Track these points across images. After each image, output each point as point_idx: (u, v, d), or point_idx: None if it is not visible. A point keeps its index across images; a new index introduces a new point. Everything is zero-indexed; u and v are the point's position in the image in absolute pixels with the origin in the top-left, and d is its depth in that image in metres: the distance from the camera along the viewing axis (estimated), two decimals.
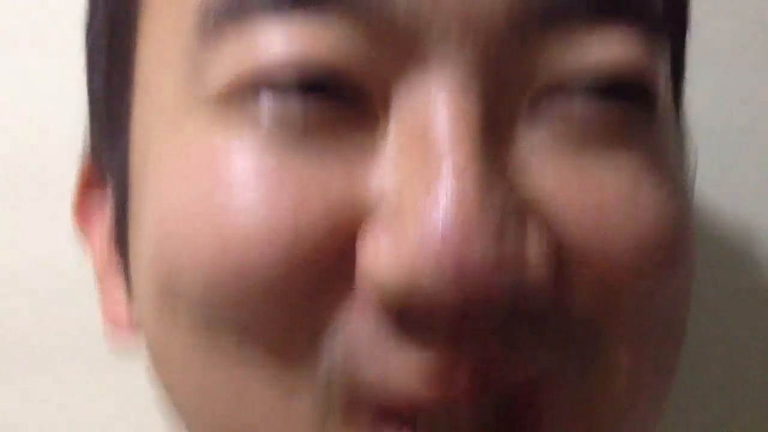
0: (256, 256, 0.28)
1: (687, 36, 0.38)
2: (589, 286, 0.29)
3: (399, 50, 0.29)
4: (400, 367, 0.28)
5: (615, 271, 0.29)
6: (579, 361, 0.29)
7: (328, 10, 0.28)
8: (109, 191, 0.37)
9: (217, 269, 0.28)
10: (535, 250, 0.27)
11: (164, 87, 0.32)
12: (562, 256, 0.28)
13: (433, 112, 0.28)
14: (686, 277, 0.31)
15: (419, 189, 0.27)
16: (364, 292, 0.28)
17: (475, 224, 0.26)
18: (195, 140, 0.30)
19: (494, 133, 0.28)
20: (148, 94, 0.33)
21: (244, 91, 0.29)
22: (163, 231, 0.30)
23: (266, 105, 0.29)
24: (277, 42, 0.29)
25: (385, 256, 0.27)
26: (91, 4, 0.38)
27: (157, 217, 0.30)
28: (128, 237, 0.34)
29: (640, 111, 0.31)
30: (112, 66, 0.36)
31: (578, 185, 0.29)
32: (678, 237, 0.30)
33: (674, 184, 0.31)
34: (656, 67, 0.31)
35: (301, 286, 0.28)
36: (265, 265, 0.28)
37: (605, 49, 0.30)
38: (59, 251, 0.48)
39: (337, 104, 0.29)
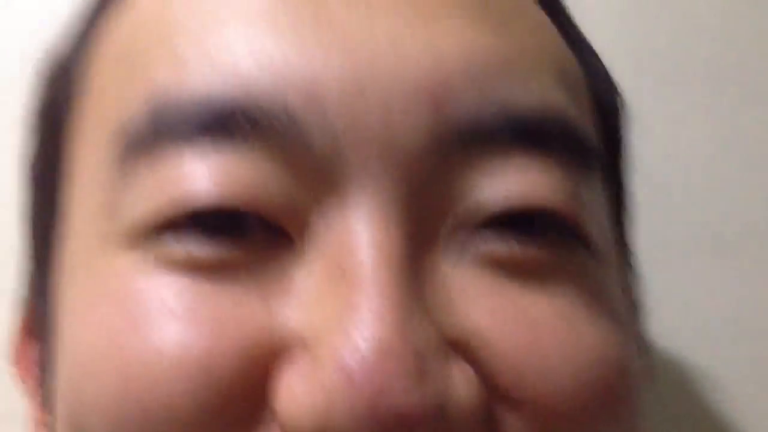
0: (162, 396, 0.27)
1: (626, 174, 0.38)
2: (522, 430, 0.28)
3: (316, 179, 0.29)
4: None
5: (550, 416, 0.28)
6: None
7: (241, 139, 0.29)
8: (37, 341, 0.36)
9: (121, 409, 0.28)
10: (459, 392, 0.26)
11: (81, 224, 0.32)
12: (493, 400, 0.28)
13: (351, 245, 0.28)
14: (629, 419, 0.30)
15: (337, 331, 0.26)
16: (277, 430, 0.27)
17: (392, 370, 0.26)
18: (106, 276, 0.30)
19: (415, 265, 0.28)
20: (69, 235, 0.33)
21: (157, 227, 0.29)
22: (73, 371, 0.30)
23: (178, 241, 0.29)
24: (191, 177, 0.28)
25: (300, 397, 0.26)
26: (29, 136, 0.38)
27: (69, 357, 0.30)
28: (51, 390, 0.33)
29: (569, 247, 0.30)
30: (40, 206, 0.36)
31: (509, 322, 0.28)
32: (618, 378, 0.29)
33: (615, 322, 0.30)
34: (579, 201, 0.30)
35: (210, 425, 0.27)
36: (172, 406, 0.27)
37: (521, 178, 0.29)
38: None
39: (254, 238, 0.29)
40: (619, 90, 0.37)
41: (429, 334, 0.27)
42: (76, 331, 0.30)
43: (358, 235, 0.28)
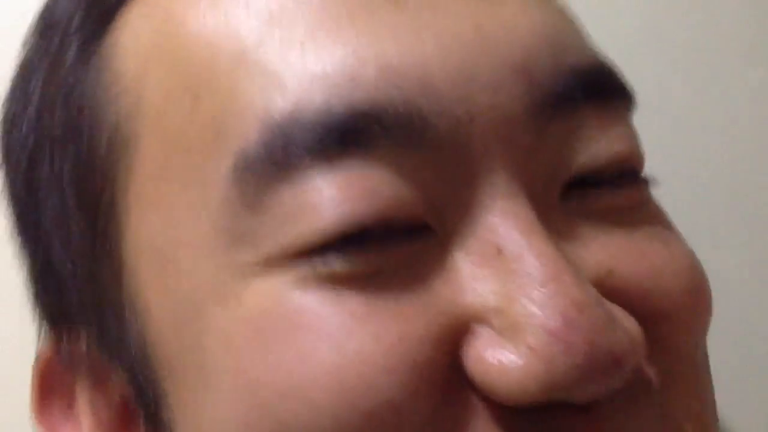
0: (378, 395, 0.28)
1: None
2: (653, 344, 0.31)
3: (446, 170, 0.30)
4: None
5: (665, 321, 0.32)
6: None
7: (372, 148, 0.29)
8: (109, 389, 0.35)
9: (342, 422, 0.28)
10: (634, 328, 0.29)
11: (195, 259, 0.31)
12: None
13: (496, 223, 0.30)
14: (709, 318, 0.34)
15: (524, 300, 0.28)
16: (484, 403, 0.29)
17: (593, 322, 0.28)
18: (269, 306, 0.29)
19: (551, 228, 0.30)
20: (163, 273, 0.31)
21: (307, 251, 0.29)
22: (262, 400, 0.29)
23: (333, 261, 0.29)
24: (331, 197, 0.29)
25: (511, 368, 0.28)
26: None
27: (244, 392, 0.29)
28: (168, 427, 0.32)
29: (641, 180, 0.34)
30: (88, 239, 0.34)
31: (630, 260, 0.32)
32: (704, 277, 0.34)
33: (678, 233, 0.35)
34: (637, 140, 0.34)
35: (424, 407, 0.29)
36: (389, 401, 0.28)
37: (601, 134, 0.32)
38: None
39: (398, 240, 0.29)
40: None
41: (590, 285, 0.29)
42: (246, 366, 0.29)
43: (501, 212, 0.30)
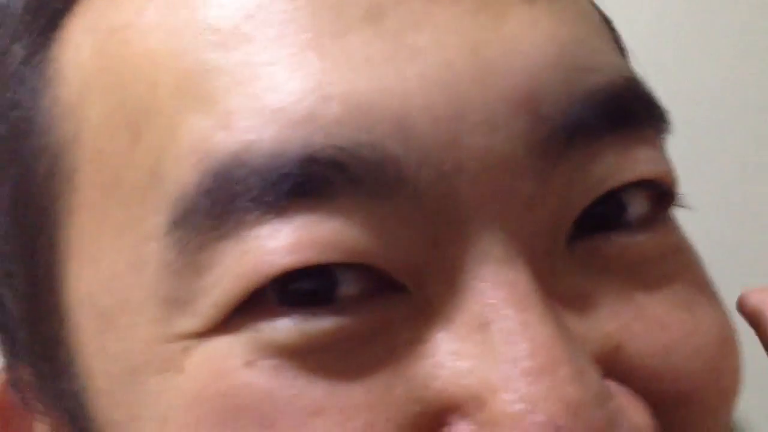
0: None
1: None
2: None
3: (426, 222, 0.25)
4: None
5: (684, 406, 0.27)
6: None
7: (331, 196, 0.24)
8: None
9: None
10: (643, 421, 0.25)
11: (134, 322, 0.27)
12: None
13: (485, 292, 0.25)
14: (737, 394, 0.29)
15: (507, 391, 0.24)
16: None
17: (590, 427, 0.24)
18: (209, 381, 0.25)
19: (553, 293, 0.26)
20: (102, 334, 0.27)
21: (253, 318, 0.25)
22: None
23: (285, 329, 0.25)
24: (281, 256, 0.24)
25: None
26: None
27: None
28: None
29: (669, 213, 0.29)
30: (30, 284, 0.30)
31: (643, 332, 0.27)
32: (736, 353, 0.29)
33: (713, 291, 0.30)
34: (668, 162, 0.29)
35: None
36: None
37: (620, 160, 0.27)
38: None
39: (364, 303, 0.25)
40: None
41: (593, 374, 0.25)
42: None
43: (493, 280, 0.25)
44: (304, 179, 0.24)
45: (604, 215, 0.28)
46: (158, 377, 0.26)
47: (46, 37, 0.30)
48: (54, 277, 0.29)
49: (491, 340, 0.25)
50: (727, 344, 0.29)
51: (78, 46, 0.29)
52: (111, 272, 0.27)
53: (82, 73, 0.28)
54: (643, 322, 0.27)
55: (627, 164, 0.27)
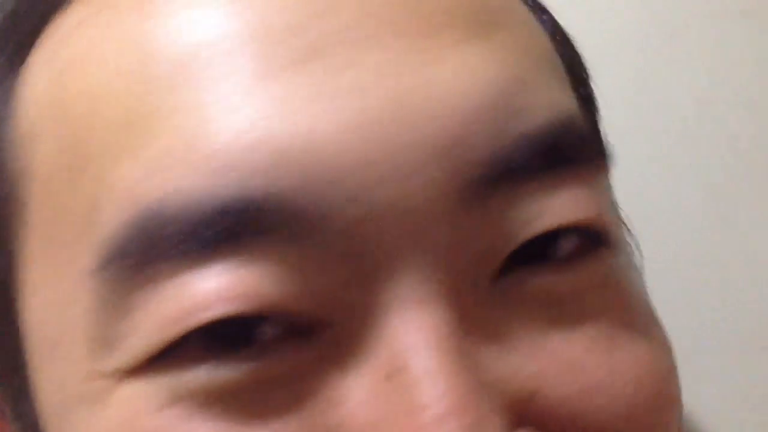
0: None
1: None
2: None
3: (339, 270, 0.25)
4: None
5: None
6: None
7: (253, 245, 0.25)
8: None
9: None
10: None
11: (69, 356, 0.28)
12: None
13: (397, 339, 0.25)
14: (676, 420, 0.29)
15: None
16: None
17: None
18: (126, 421, 0.26)
19: (469, 335, 0.26)
20: (46, 363, 0.29)
21: (168, 361, 0.26)
22: None
23: (198, 373, 0.25)
24: (195, 303, 0.25)
25: None
26: None
27: None
28: None
29: (597, 253, 0.28)
30: None
31: (558, 374, 0.27)
32: (663, 388, 0.28)
33: (647, 326, 0.29)
34: (605, 205, 0.29)
35: None
36: None
37: (552, 201, 0.27)
38: None
39: (277, 348, 0.25)
40: (579, 51, 0.35)
41: (496, 421, 0.25)
42: None
43: (406, 323, 0.25)
44: (219, 230, 0.25)
45: (537, 247, 0.27)
46: (87, 413, 0.27)
47: (12, 66, 0.30)
48: (12, 299, 0.30)
49: (402, 384, 0.25)
50: (652, 381, 0.28)
51: (36, 78, 0.29)
52: (52, 304, 0.28)
53: (36, 107, 0.29)
54: (559, 365, 0.27)
55: (555, 209, 0.27)
